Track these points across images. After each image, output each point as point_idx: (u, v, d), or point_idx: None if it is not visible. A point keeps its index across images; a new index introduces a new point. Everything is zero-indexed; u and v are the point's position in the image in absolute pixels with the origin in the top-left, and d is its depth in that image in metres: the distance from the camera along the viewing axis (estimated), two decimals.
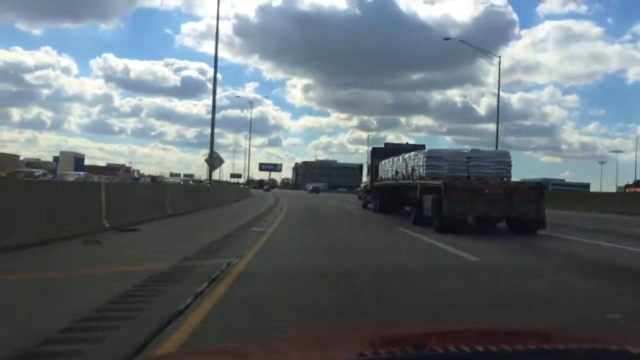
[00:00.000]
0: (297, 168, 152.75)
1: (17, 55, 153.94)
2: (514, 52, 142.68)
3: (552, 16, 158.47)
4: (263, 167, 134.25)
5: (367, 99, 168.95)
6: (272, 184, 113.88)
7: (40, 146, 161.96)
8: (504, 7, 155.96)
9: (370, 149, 26.12)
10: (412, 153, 14.85)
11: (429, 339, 1.42)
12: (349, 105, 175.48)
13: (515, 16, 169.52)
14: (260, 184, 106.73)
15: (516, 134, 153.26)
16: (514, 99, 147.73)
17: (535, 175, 74.46)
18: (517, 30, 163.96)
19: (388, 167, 18.81)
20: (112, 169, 78.92)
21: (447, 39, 37.49)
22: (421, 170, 13.49)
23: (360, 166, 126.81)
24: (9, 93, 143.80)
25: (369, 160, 24.96)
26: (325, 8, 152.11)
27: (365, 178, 27.04)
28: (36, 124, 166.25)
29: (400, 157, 16.26)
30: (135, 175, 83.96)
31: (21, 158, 58.72)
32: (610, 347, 1.25)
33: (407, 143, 24.60)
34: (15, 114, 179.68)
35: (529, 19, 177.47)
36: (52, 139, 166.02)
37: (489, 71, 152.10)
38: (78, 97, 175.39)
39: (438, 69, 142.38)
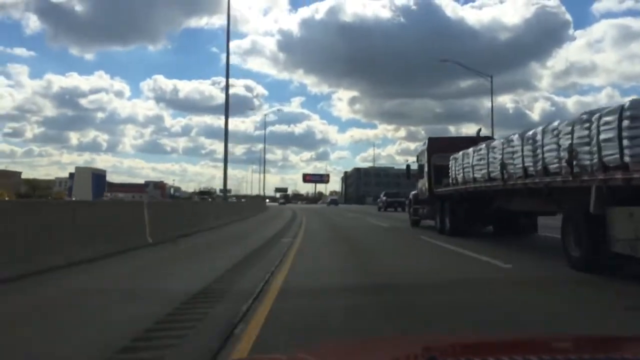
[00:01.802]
0: (346, 178, 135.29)
1: (72, 80, 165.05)
2: (568, 54, 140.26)
3: (608, 14, 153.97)
4: (308, 178, 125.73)
5: (414, 108, 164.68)
6: (287, 198, 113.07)
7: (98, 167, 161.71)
8: (556, 7, 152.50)
9: (425, 142, 18.57)
10: (563, 123, 7.14)
11: (446, 350, 1.47)
12: (396, 116, 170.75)
13: (568, 16, 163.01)
14: (284, 197, 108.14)
15: None
16: (570, 103, 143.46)
17: None
18: (571, 31, 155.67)
19: (472, 163, 11.31)
20: (139, 187, 76.34)
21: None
22: (601, 155, 5.96)
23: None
24: (66, 117, 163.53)
25: (423, 158, 17.40)
26: (369, 18, 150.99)
27: (420, 183, 19.49)
28: (93, 147, 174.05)
29: (520, 138, 8.59)
30: (172, 192, 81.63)
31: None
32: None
33: (478, 132, 16.78)
34: (73, 137, 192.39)
35: (583, 19, 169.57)
36: (108, 160, 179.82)
37: (542, 75, 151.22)
38: (131, 118, 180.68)
39: (488, 75, 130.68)
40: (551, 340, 1.68)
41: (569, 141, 6.52)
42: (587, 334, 3.25)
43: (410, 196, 20.56)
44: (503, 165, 9.03)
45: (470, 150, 11.59)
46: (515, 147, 8.54)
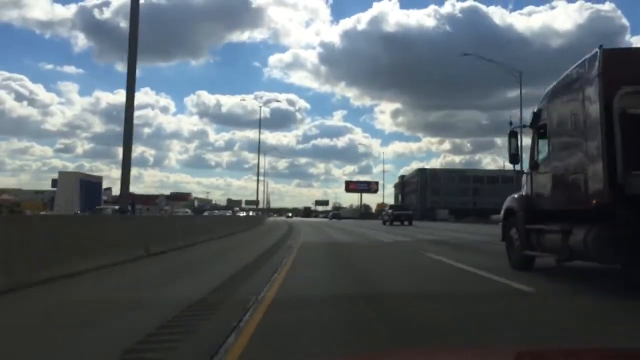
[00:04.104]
0: (402, 184, 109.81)
1: (120, 97, 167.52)
2: None
3: None
4: (352, 187, 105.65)
5: (459, 120, 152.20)
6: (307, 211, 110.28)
7: (146, 182, 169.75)
8: (612, 11, 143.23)
9: (589, 59, 6.11)
10: None
11: None
12: (440, 129, 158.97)
13: (624, 21, 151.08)
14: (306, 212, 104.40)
15: None
16: None
17: None
18: (627, 36, 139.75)
19: None
20: (150, 198, 74.97)
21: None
22: None
23: (520, 174, 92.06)
24: (114, 133, 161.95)
25: (575, 103, 4.77)
26: (412, 27, 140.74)
27: (555, 169, 7.11)
28: (140, 162, 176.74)
29: None
30: (195, 204, 78.79)
31: None
32: None
33: None
34: (121, 153, 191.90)
35: None
36: (155, 175, 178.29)
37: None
38: (176, 134, 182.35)
39: (537, 84, 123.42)
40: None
41: None
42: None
43: (510, 205, 7.88)
44: None
45: None
46: None
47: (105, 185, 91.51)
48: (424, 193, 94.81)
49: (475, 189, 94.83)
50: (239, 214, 56.81)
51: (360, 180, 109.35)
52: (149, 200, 70.87)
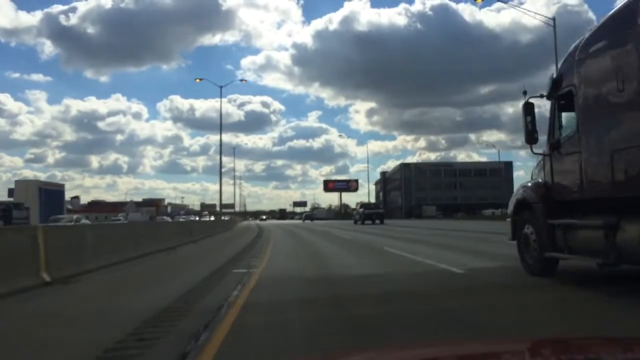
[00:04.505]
0: (384, 181, 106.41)
1: (90, 104, 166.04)
2: None
3: None
4: (330, 186, 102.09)
5: (434, 117, 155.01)
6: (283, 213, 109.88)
7: (120, 190, 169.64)
8: (578, 5, 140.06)
9: None
10: None
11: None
12: (415, 126, 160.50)
13: (591, 14, 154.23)
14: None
15: None
16: None
17: None
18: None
19: None
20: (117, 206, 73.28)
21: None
22: None
23: (509, 165, 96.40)
24: (86, 141, 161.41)
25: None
26: (384, 26, 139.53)
27: (565, 147, 5.50)
28: (114, 169, 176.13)
29: None
30: (169, 210, 76.44)
31: None
32: None
33: None
34: (94, 160, 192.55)
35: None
36: (130, 182, 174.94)
37: None
38: (150, 140, 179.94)
39: (510, 80, 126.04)
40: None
41: None
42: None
43: (524, 195, 6.38)
44: None
45: None
46: None
47: (74, 193, 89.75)
48: (408, 189, 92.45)
49: (461, 184, 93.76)
50: (205, 218, 55.15)
51: (339, 179, 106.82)
52: (117, 207, 67.13)
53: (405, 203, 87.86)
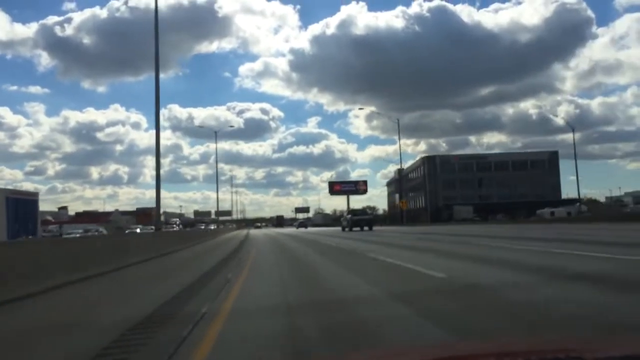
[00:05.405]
0: (400, 180, 77.13)
1: (89, 115, 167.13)
2: (591, 52, 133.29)
3: (632, 8, 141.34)
4: (336, 188, 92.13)
5: (434, 120, 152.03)
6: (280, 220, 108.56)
7: (121, 201, 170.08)
8: (577, 4, 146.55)
9: None
10: None
11: None
12: (415, 130, 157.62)
13: (590, 12, 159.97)
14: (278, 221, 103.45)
15: (599, 142, 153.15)
16: (594, 105, 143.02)
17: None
18: (593, 28, 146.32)
19: None
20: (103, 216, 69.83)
21: None
22: None
23: (554, 156, 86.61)
24: (86, 152, 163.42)
25: None
26: (381, 29, 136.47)
27: None
28: (115, 180, 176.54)
29: None
30: (162, 219, 70.21)
31: None
32: None
33: None
34: (94, 171, 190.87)
35: (606, 15, 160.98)
36: (130, 192, 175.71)
37: (565, 77, 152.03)
38: (149, 149, 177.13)
39: (509, 81, 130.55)
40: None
41: None
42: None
43: None
44: None
45: None
46: None
47: (76, 205, 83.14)
48: (433, 187, 79.00)
49: (502, 182, 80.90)
50: (173, 227, 53.14)
51: (345, 181, 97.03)
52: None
53: (429, 204, 74.87)
